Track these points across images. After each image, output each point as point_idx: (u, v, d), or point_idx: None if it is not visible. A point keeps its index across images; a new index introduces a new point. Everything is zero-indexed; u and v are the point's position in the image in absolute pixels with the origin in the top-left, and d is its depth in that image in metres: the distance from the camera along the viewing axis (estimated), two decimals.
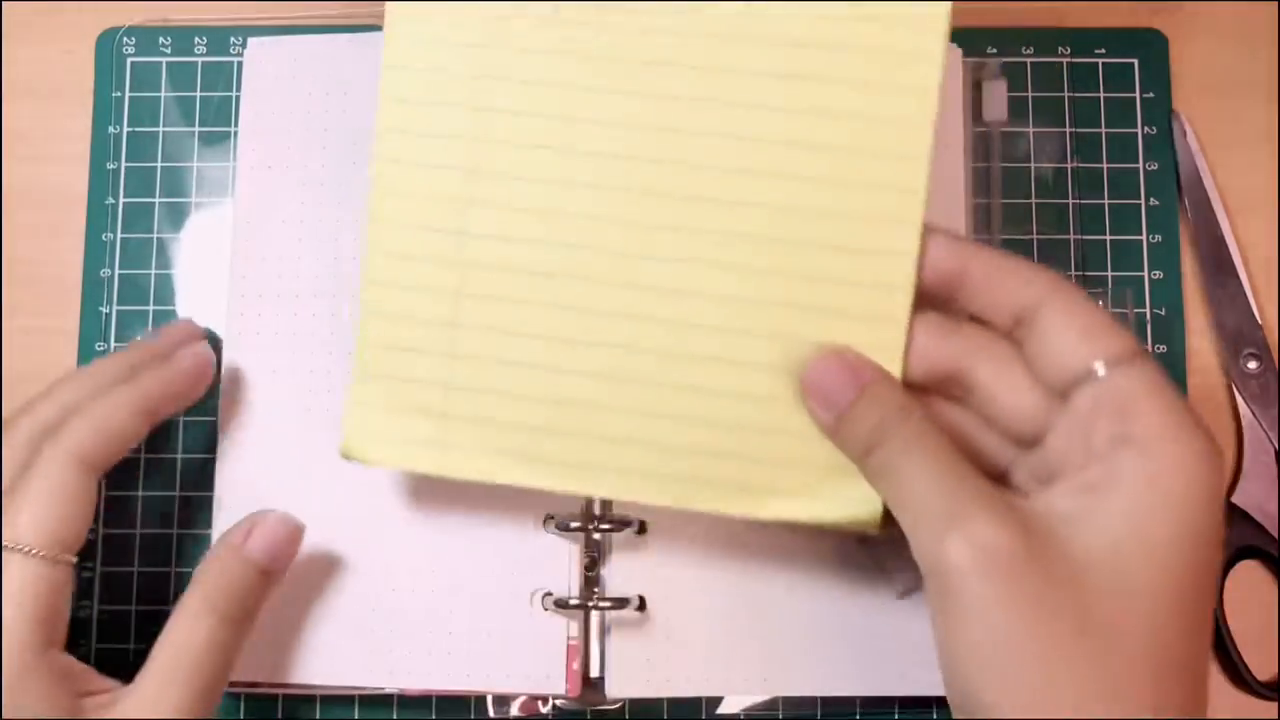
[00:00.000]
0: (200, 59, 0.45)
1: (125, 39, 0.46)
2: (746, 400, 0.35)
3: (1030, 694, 0.29)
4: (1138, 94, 0.46)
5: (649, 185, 0.35)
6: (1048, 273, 0.33)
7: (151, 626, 0.42)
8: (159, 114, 0.45)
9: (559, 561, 0.40)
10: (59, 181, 0.45)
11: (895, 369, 0.34)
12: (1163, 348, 0.44)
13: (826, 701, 0.41)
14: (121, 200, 0.45)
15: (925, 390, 0.35)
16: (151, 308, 0.44)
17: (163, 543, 0.43)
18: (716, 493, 0.35)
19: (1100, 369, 0.31)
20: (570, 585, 0.40)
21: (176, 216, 0.44)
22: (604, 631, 0.40)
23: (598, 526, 0.40)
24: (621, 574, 0.40)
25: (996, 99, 0.44)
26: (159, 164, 0.45)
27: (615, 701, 0.41)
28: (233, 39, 0.45)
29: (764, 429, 0.35)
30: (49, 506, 0.35)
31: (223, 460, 0.41)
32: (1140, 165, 0.45)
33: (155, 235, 0.44)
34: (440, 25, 0.35)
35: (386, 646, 0.39)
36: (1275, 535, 0.43)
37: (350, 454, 0.37)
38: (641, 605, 0.39)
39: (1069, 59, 0.46)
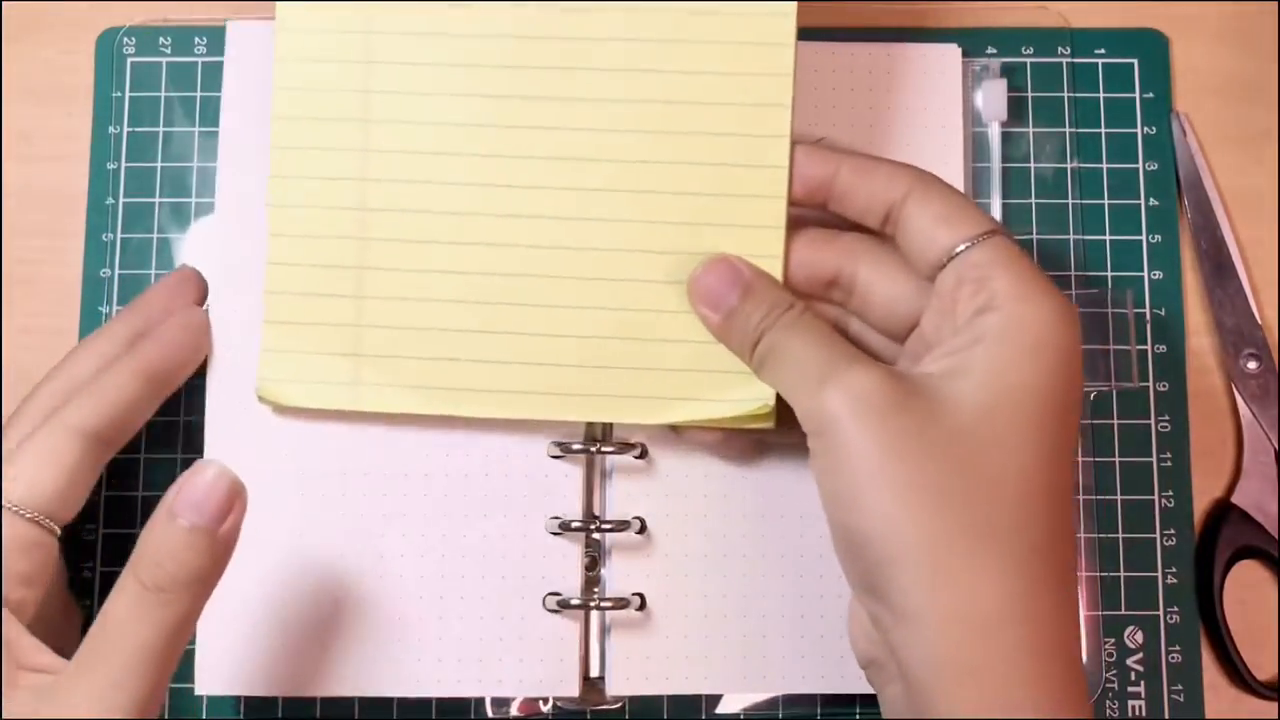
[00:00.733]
0: (200, 59, 0.45)
1: (125, 39, 0.46)
2: (641, 315, 0.38)
3: (910, 519, 0.31)
4: (1138, 94, 0.46)
5: (535, 122, 0.38)
6: (909, 168, 0.36)
7: None
8: (159, 114, 0.45)
9: (559, 562, 0.40)
10: (59, 181, 0.45)
11: (777, 272, 0.37)
12: (1163, 348, 0.44)
13: (826, 700, 0.41)
14: (121, 200, 0.45)
15: (811, 297, 0.38)
16: None
17: None
18: (620, 404, 0.38)
19: (960, 250, 0.34)
20: (570, 585, 0.40)
21: (176, 216, 0.44)
22: (604, 631, 0.40)
23: (598, 526, 0.40)
24: (621, 574, 0.40)
25: (996, 99, 0.44)
26: (159, 164, 0.45)
27: (615, 701, 0.41)
28: None
29: (659, 340, 0.38)
30: (37, 469, 0.35)
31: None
32: (1140, 165, 0.45)
33: (155, 235, 0.44)
34: (325, 21, 0.38)
35: (389, 654, 0.39)
36: (1275, 535, 0.43)
37: (265, 397, 0.38)
38: (641, 605, 0.39)
39: (1069, 59, 0.46)
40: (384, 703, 0.42)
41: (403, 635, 0.39)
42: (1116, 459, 0.44)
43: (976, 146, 0.44)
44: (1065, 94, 0.45)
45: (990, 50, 0.46)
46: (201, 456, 0.40)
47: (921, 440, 0.32)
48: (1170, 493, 0.44)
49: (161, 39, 0.46)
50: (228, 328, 0.40)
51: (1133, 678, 0.43)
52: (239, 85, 0.42)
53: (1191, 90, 0.46)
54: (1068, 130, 0.45)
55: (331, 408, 0.39)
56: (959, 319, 0.34)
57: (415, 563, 0.40)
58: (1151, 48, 0.46)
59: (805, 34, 0.39)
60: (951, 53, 0.43)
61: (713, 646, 0.39)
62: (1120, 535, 0.43)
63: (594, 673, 0.40)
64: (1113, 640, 0.43)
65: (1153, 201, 0.45)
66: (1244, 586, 0.44)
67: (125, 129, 0.45)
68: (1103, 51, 0.46)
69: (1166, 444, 0.44)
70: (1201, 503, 0.44)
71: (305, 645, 0.39)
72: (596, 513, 0.41)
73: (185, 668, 0.38)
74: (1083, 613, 0.43)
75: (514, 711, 0.41)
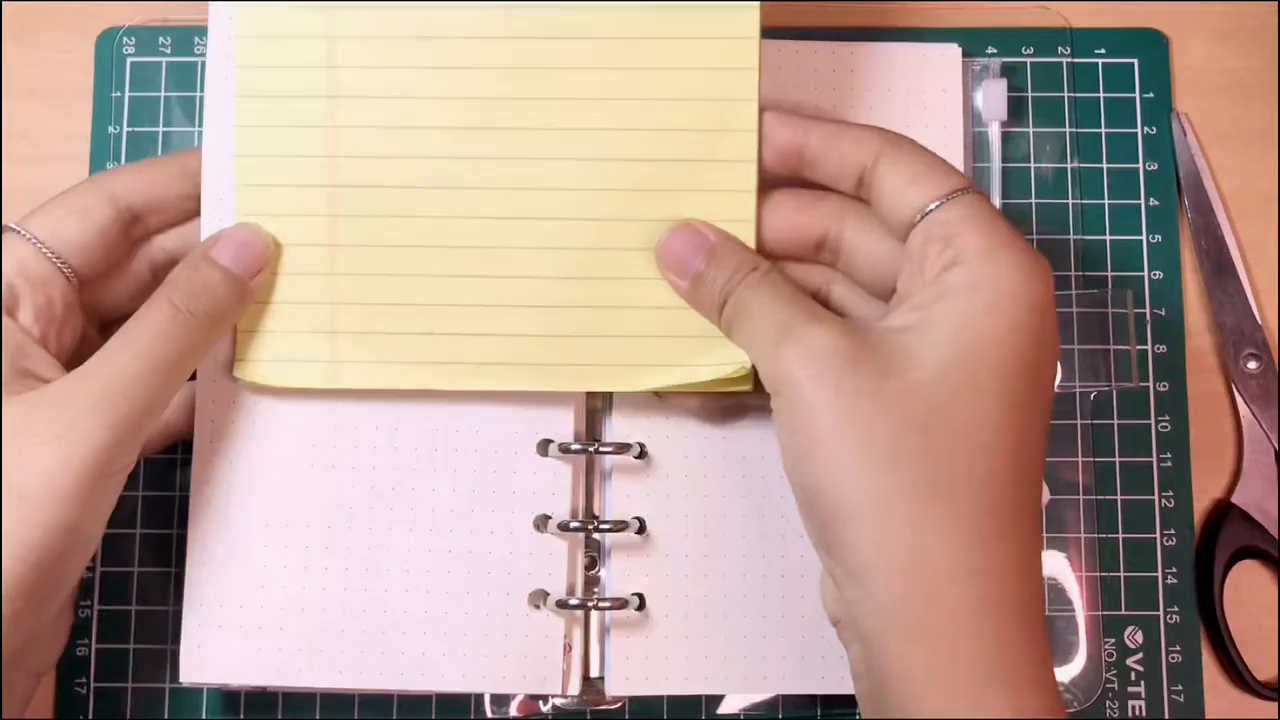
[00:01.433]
0: (200, 59, 0.45)
1: (125, 39, 0.46)
2: (615, 283, 0.38)
3: (861, 476, 0.31)
4: (1138, 94, 0.46)
5: (501, 93, 0.38)
6: (879, 130, 0.36)
7: (152, 627, 0.42)
8: (159, 114, 0.45)
9: (559, 561, 0.40)
10: (59, 181, 0.45)
11: (750, 235, 0.38)
12: (1163, 348, 0.44)
13: (826, 700, 0.41)
14: None
15: (801, 258, 0.38)
16: None
17: (163, 543, 0.43)
18: (598, 373, 0.39)
19: (932, 208, 0.34)
20: (570, 585, 0.40)
21: None
22: (604, 631, 0.40)
23: (598, 526, 0.40)
24: (621, 574, 0.40)
25: (996, 99, 0.44)
26: None
27: (615, 701, 0.41)
28: None
29: (634, 308, 0.38)
30: (63, 217, 0.37)
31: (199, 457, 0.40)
32: (1140, 165, 0.45)
33: None
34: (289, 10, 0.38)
35: (385, 648, 0.39)
36: (1275, 535, 0.43)
37: (244, 376, 0.39)
38: (641, 605, 0.39)
39: (1069, 59, 0.46)
40: (384, 703, 0.42)
41: (400, 632, 0.39)
42: (1116, 459, 0.44)
43: (976, 146, 0.44)
44: (1065, 94, 0.45)
45: (990, 50, 0.46)
46: (195, 453, 0.39)
47: (877, 397, 0.32)
48: (1170, 493, 0.44)
49: (161, 39, 0.46)
50: None
51: (1133, 678, 0.43)
52: (223, 69, 0.41)
53: (1191, 90, 0.46)
54: (1068, 130, 0.45)
55: (310, 386, 0.39)
56: (926, 276, 0.34)
57: (414, 561, 0.40)
58: (1151, 47, 0.46)
59: (805, 34, 0.39)
60: (951, 53, 0.43)
61: (712, 646, 0.39)
62: (1120, 535, 0.43)
63: (594, 673, 0.40)
64: (1113, 640, 0.43)
65: (1153, 201, 0.45)
66: (1244, 587, 0.44)
67: (125, 129, 0.45)
68: (1103, 51, 0.46)
69: (1166, 444, 0.44)
70: (1201, 503, 0.44)
71: (294, 636, 0.39)
72: (596, 513, 0.41)
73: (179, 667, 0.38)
74: (1083, 613, 0.43)
75: (513, 712, 0.41)
